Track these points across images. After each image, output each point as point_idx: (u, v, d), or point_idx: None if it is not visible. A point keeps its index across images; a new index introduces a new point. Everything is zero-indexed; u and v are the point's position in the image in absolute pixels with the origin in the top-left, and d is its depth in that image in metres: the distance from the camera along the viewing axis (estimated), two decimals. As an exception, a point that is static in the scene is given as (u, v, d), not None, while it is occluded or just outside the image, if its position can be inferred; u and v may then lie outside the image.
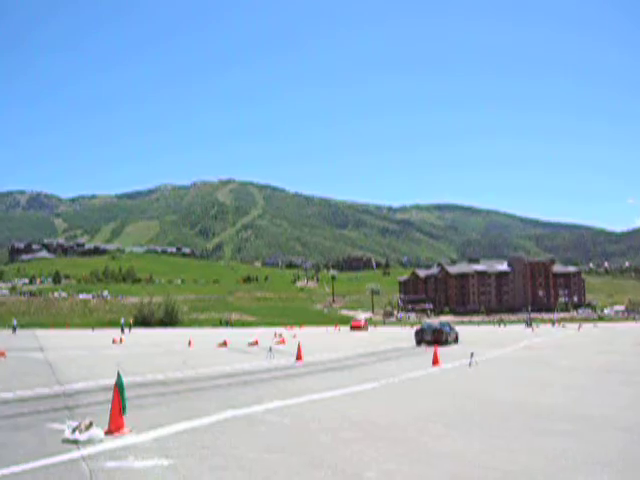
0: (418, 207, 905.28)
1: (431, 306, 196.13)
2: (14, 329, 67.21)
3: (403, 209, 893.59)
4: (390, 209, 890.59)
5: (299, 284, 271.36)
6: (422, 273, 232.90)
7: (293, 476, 7.58)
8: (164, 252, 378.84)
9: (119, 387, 9.98)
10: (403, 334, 65.89)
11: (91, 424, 9.48)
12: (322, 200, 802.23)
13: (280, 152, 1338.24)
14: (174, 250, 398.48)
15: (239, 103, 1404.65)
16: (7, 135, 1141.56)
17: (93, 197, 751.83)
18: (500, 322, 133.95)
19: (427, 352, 30.52)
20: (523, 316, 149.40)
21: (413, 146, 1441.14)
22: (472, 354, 23.70)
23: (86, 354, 31.37)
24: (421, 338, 38.72)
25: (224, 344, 37.88)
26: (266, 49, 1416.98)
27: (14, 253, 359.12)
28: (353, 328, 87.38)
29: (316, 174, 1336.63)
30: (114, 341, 43.04)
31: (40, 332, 68.65)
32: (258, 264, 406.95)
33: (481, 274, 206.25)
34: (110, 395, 13.36)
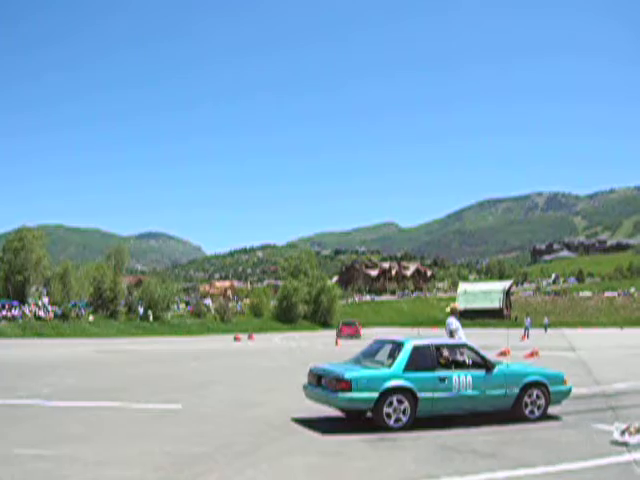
0: None
1: None
2: (545, 328, 69.01)
3: None
4: None
5: None
6: None
7: None
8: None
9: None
10: None
11: (641, 427, 9.15)
12: None
13: None
14: None
15: None
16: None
17: (611, 191, 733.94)
18: None
19: None
20: None
21: None
22: None
23: (619, 354, 30.59)
24: None
25: None
26: None
27: (536, 254, 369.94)
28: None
29: None
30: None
31: (568, 331, 69.31)
32: None
33: None
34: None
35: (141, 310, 62.64)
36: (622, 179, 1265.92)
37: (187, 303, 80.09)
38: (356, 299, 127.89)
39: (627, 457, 8.40)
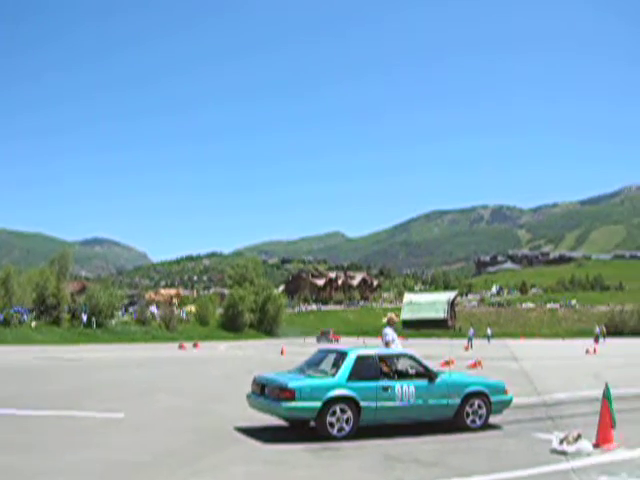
0: None
1: None
2: (489, 338, 69.89)
3: None
4: None
5: None
6: None
7: None
8: (633, 257, 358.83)
9: (608, 399, 9.65)
10: None
11: (579, 436, 9.33)
12: None
13: None
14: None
15: None
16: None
17: (555, 205, 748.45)
18: None
19: None
20: None
21: None
22: None
23: (560, 364, 31.15)
24: None
25: None
26: None
27: (480, 266, 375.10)
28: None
29: None
30: (587, 351, 41.96)
31: (510, 342, 70.25)
32: None
33: None
34: (591, 407, 13.06)
35: (84, 317, 61.60)
36: (565, 194, 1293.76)
37: (126, 309, 79.00)
38: (302, 308, 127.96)
39: (565, 465, 8.56)
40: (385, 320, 14.93)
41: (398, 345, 13.91)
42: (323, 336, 74.45)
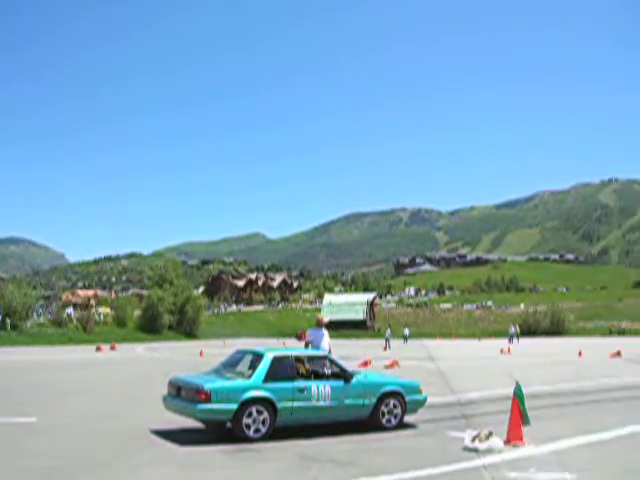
0: None
1: None
2: (405, 339, 70.80)
3: None
4: None
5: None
6: None
7: None
8: (546, 260, 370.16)
9: (518, 398, 9.91)
10: None
11: (491, 434, 9.55)
12: None
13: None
14: (557, 257, 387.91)
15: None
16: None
17: (472, 209, 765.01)
18: None
19: None
20: None
21: None
22: None
23: (475, 364, 31.78)
24: None
25: (618, 354, 35.64)
26: None
27: (399, 267, 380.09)
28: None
29: None
30: (502, 351, 42.99)
31: (428, 342, 71.32)
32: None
33: None
34: (504, 405, 13.38)
35: (-2, 318, 59.51)
36: (482, 198, 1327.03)
37: (42, 310, 76.77)
38: (222, 309, 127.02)
39: (477, 462, 8.75)
40: None
41: (325, 345, 13.89)
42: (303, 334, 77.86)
